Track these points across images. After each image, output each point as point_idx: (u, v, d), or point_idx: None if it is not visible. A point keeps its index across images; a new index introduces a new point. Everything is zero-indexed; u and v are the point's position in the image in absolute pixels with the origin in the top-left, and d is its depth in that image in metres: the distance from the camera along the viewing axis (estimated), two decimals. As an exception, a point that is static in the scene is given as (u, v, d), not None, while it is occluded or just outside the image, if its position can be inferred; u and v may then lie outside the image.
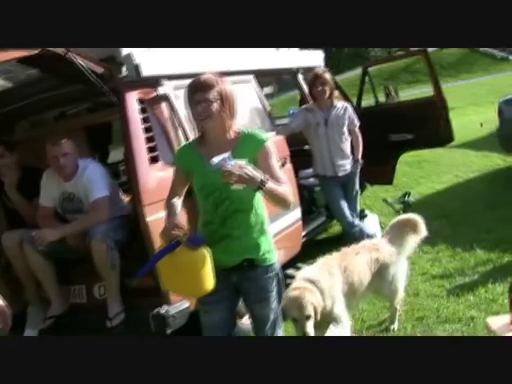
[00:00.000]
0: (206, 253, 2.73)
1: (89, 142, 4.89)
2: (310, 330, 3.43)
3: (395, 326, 4.24)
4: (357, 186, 5.60)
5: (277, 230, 4.89)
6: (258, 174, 2.62)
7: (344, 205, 5.46)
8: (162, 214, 2.94)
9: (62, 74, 3.67)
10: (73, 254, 3.99)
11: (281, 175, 2.82)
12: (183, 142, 3.78)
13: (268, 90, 7.71)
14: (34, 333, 4.05)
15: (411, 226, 4.26)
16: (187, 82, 3.66)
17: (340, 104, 5.47)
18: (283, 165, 5.03)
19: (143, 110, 3.83)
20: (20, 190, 4.27)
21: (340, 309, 3.72)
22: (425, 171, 9.19)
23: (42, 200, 4.09)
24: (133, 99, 3.80)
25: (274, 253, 3.00)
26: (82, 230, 3.88)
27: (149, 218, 3.62)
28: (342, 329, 3.68)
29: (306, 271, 3.80)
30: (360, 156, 5.50)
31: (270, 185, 2.67)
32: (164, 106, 4.01)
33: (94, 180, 3.95)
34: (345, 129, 5.41)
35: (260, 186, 2.63)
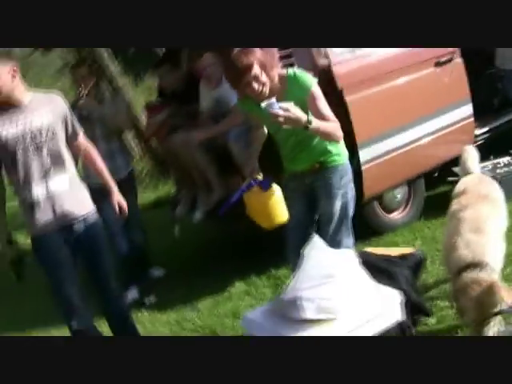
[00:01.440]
0: (273, 194, 3.28)
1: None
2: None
3: None
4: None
5: (442, 124, 4.86)
6: (303, 116, 2.91)
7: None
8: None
9: None
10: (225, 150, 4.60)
11: (328, 113, 3.09)
12: None
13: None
14: (200, 215, 4.85)
15: None
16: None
17: None
18: (450, 60, 4.86)
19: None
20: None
21: None
22: None
23: (200, 106, 4.74)
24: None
25: (343, 156, 3.29)
26: (225, 131, 4.44)
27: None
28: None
29: (475, 248, 2.91)
30: None
31: (315, 124, 2.96)
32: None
33: None
34: None
35: (306, 125, 2.92)
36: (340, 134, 3.12)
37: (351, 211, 3.31)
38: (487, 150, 5.02)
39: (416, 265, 2.96)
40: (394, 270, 2.85)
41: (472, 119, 5.02)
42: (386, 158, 4.51)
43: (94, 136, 4.61)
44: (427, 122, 4.76)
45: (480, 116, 5.17)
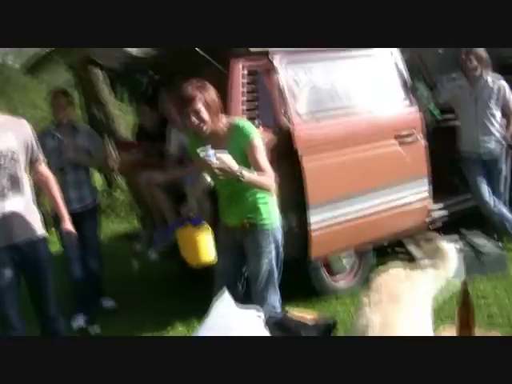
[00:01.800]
0: (202, 231, 3.48)
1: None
2: None
3: None
4: (502, 169, 5.28)
5: (396, 198, 4.96)
6: (236, 168, 3.10)
7: (484, 187, 5.24)
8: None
9: None
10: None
11: (264, 166, 3.26)
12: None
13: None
14: (154, 256, 4.98)
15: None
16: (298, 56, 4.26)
17: (493, 82, 5.18)
18: (411, 136, 4.98)
19: (248, 76, 4.34)
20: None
21: None
22: None
23: (167, 148, 4.96)
24: (238, 67, 4.30)
25: (274, 220, 3.44)
26: (183, 176, 4.62)
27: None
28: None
29: None
30: (509, 137, 5.19)
31: (248, 177, 3.15)
32: (270, 76, 4.45)
33: None
34: (493, 107, 5.15)
35: (238, 178, 3.11)
36: (273, 186, 3.28)
37: (278, 270, 3.48)
38: (439, 229, 5.19)
39: (325, 330, 3.11)
40: (301, 333, 3.00)
41: (427, 198, 5.17)
42: (336, 223, 4.63)
43: (63, 164, 4.81)
44: (382, 195, 4.88)
45: (440, 195, 5.35)
